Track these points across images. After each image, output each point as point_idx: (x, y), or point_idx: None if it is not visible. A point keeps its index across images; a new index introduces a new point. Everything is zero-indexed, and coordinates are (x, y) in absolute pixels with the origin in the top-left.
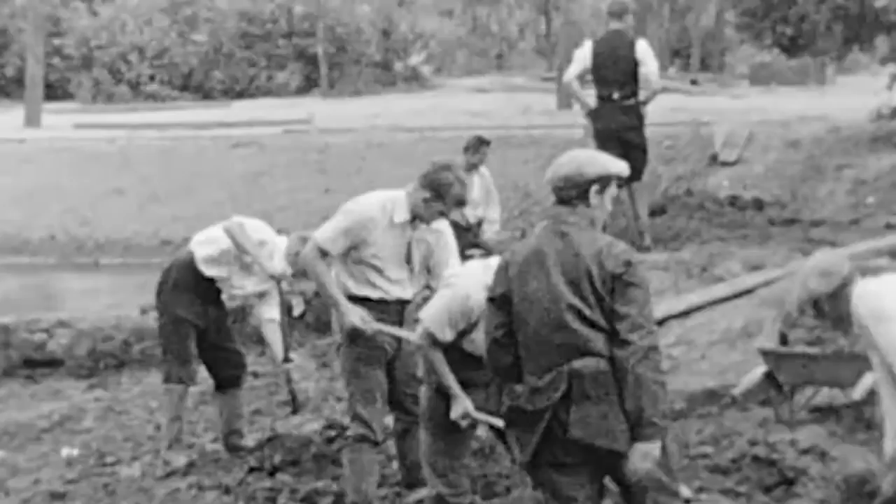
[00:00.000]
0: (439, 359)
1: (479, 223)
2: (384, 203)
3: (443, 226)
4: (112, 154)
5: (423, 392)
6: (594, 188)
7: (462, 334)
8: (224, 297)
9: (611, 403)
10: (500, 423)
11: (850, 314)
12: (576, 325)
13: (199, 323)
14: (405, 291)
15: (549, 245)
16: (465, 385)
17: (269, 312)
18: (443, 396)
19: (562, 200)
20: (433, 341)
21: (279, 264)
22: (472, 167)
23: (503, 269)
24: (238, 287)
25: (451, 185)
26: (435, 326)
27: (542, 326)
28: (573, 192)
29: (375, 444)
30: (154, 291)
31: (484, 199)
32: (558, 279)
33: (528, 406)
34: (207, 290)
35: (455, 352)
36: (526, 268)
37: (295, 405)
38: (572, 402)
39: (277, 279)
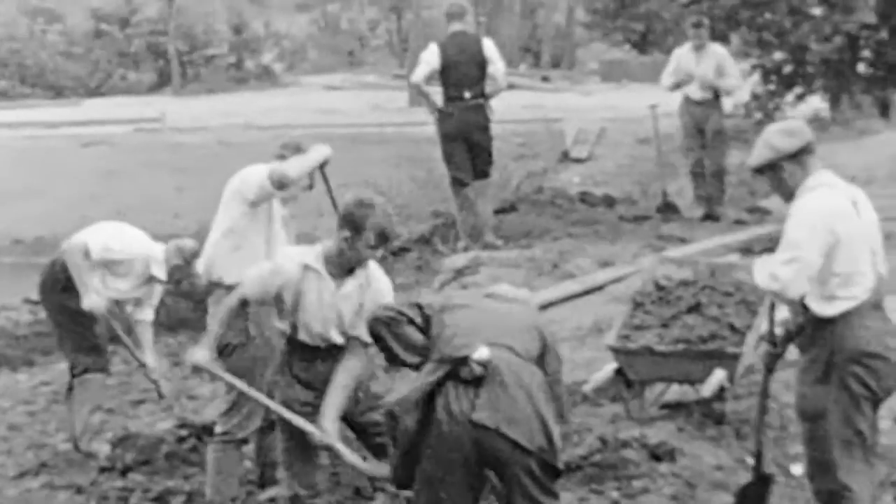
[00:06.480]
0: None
1: (716, 96)
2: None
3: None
4: None
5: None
6: None
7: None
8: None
9: None
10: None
11: (795, 186)
12: None
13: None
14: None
15: None
16: (308, 384)
17: (142, 314)
18: (295, 393)
19: None
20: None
21: (158, 271)
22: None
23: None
24: (112, 289)
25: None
26: (248, 281)
27: None
28: None
29: (241, 442)
30: (39, 290)
31: (716, 75)
32: None
33: None
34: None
35: (295, 345)
36: None
37: (160, 392)
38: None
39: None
